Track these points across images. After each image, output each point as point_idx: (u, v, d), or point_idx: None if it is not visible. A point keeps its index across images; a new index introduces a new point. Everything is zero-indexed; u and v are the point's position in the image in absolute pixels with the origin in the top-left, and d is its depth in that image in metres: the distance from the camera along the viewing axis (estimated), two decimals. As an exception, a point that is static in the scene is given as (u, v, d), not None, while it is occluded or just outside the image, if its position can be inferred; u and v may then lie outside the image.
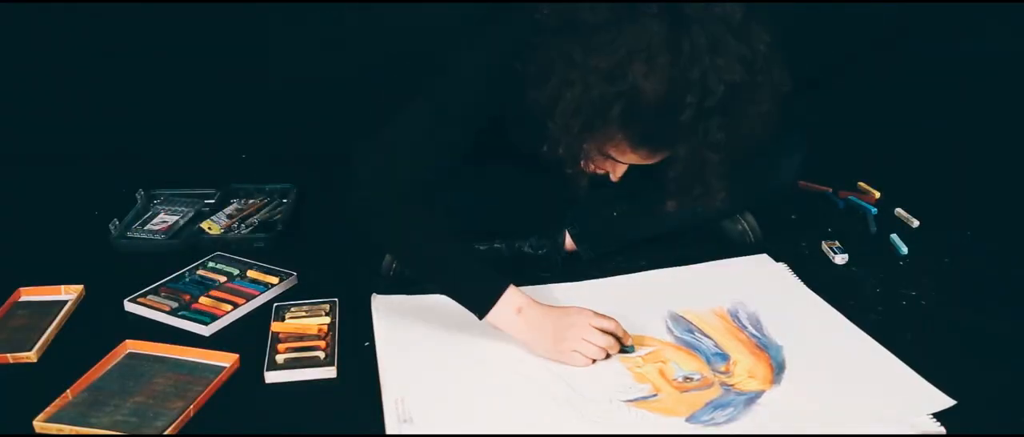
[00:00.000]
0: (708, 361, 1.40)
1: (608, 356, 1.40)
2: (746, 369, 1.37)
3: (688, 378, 1.35)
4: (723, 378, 1.35)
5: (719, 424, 1.25)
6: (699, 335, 1.46)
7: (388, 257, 1.66)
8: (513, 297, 1.40)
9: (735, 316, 1.51)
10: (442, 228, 1.42)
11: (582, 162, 1.40)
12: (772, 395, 1.31)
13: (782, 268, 1.66)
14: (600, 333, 1.39)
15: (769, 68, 1.27)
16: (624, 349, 1.41)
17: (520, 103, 1.33)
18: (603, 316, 1.41)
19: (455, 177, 1.63)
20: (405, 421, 1.27)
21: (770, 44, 1.26)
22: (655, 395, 1.32)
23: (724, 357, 1.40)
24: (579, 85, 1.25)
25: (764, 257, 1.69)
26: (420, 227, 1.41)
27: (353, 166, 1.43)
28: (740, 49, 1.23)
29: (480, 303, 1.40)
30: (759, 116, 1.28)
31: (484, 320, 1.40)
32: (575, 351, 1.38)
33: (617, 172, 1.41)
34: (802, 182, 2.01)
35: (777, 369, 1.37)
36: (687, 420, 1.27)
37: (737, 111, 1.25)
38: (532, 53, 1.30)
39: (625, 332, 1.41)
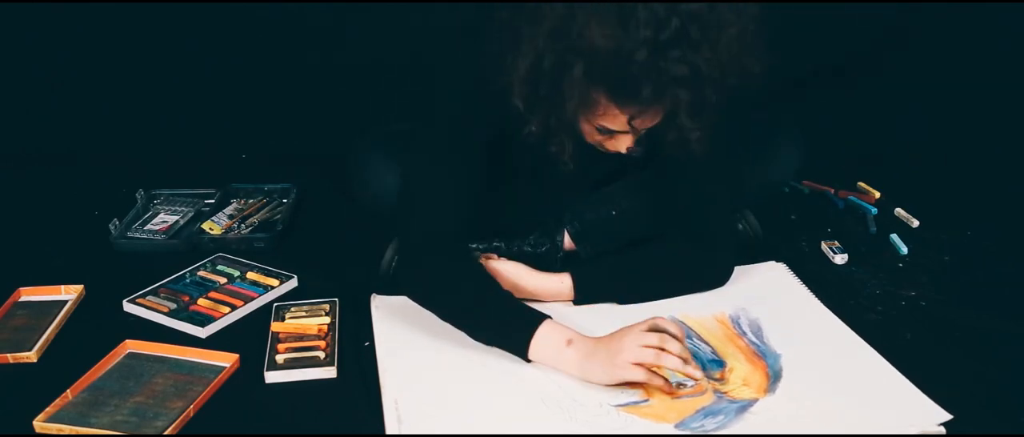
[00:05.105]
0: (703, 367, 1.37)
1: (683, 363, 1.29)
2: (741, 377, 1.36)
3: (681, 384, 1.33)
4: (717, 385, 1.34)
5: (709, 431, 1.24)
6: (697, 340, 1.45)
7: (387, 257, 1.66)
8: (556, 330, 1.36)
9: (736, 322, 1.50)
10: (484, 283, 1.44)
11: (590, 139, 1.38)
12: (765, 404, 1.30)
13: (781, 268, 1.65)
14: (652, 335, 1.30)
15: None
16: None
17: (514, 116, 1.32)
18: (654, 328, 1.32)
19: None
20: (405, 421, 1.27)
21: None
22: (646, 400, 1.31)
23: (720, 364, 1.39)
24: (531, 53, 1.25)
25: (772, 264, 1.67)
26: (467, 288, 1.43)
27: (401, 241, 1.51)
28: None
29: (519, 342, 1.36)
30: (732, 39, 1.23)
31: (532, 360, 1.36)
32: (631, 362, 1.29)
33: (621, 144, 1.36)
34: (804, 181, 2.01)
35: (773, 378, 1.35)
36: (676, 426, 1.25)
37: (705, 39, 1.20)
38: (488, 43, 1.30)
39: (687, 353, 1.30)
